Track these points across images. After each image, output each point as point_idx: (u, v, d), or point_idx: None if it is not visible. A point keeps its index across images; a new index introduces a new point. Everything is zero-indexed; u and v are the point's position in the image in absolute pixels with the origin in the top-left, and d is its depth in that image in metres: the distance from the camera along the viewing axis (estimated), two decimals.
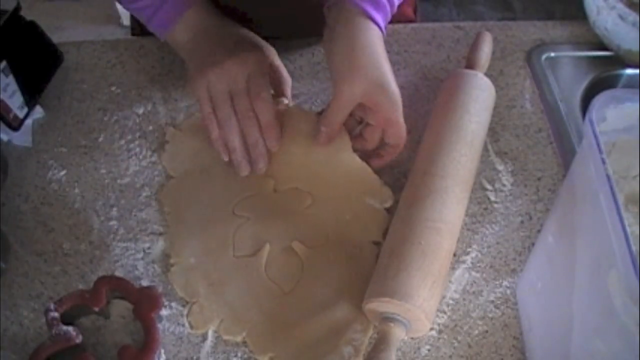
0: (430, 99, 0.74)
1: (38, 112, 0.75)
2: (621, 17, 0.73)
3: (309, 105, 0.74)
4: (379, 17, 0.62)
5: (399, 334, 0.53)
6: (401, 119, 0.63)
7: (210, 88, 0.63)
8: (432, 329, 0.57)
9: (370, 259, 0.60)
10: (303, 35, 0.80)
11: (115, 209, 0.66)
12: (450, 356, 0.56)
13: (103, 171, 0.70)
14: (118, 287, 0.58)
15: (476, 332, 0.57)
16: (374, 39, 0.62)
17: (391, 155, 0.66)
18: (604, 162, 0.39)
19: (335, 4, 0.64)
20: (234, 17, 0.76)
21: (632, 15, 0.72)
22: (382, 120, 0.63)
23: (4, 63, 0.69)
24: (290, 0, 0.75)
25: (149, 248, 0.63)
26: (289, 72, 0.78)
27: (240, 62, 0.63)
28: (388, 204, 0.64)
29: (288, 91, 0.70)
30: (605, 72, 0.78)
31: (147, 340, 0.54)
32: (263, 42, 0.70)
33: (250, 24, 0.78)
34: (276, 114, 0.64)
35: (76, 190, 0.68)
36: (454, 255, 0.60)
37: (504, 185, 0.67)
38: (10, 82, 0.70)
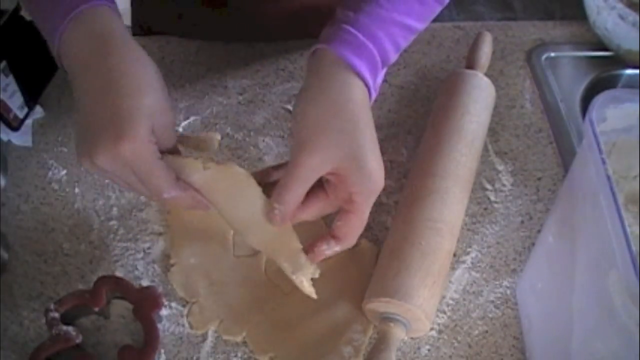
0: (430, 99, 0.74)
1: (38, 112, 0.75)
2: (621, 17, 0.73)
3: None
4: (364, 68, 0.50)
5: (399, 334, 0.53)
6: (367, 212, 0.50)
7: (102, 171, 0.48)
8: (432, 329, 0.57)
9: (370, 259, 0.60)
10: (303, 37, 0.80)
11: (115, 208, 0.66)
12: (450, 356, 0.56)
13: None
14: (118, 287, 0.58)
15: (476, 332, 0.57)
16: (354, 95, 0.49)
17: (323, 254, 0.52)
18: (604, 162, 0.39)
19: (316, 50, 0.52)
20: (234, 18, 0.76)
21: (632, 15, 0.72)
22: (342, 199, 0.50)
23: (4, 63, 0.69)
24: (290, 2, 0.75)
25: (149, 248, 0.63)
26: (289, 72, 0.78)
27: (119, 157, 0.46)
28: (300, 277, 0.51)
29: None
30: (605, 72, 0.78)
31: (147, 340, 0.54)
32: (153, 76, 0.50)
33: (251, 25, 0.78)
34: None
35: (76, 190, 0.68)
36: (454, 255, 0.60)
37: (504, 185, 0.67)
38: (10, 82, 0.70)
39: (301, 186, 0.48)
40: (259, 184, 0.51)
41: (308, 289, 0.52)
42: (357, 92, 0.50)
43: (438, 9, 0.56)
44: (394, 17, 0.52)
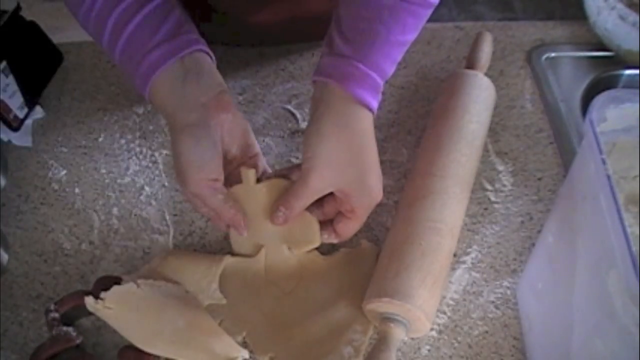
0: (430, 99, 0.74)
1: (38, 112, 0.75)
2: (621, 18, 0.73)
3: (309, 106, 0.74)
4: (368, 96, 0.55)
5: (399, 334, 0.53)
6: (364, 217, 0.58)
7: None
8: (432, 329, 0.57)
9: (370, 259, 0.60)
10: (303, 40, 0.80)
11: (115, 208, 0.66)
12: (451, 356, 0.56)
13: (103, 171, 0.70)
14: None
15: (476, 332, 0.57)
16: (361, 127, 0.55)
17: (323, 239, 0.60)
18: (604, 162, 0.39)
19: (324, 84, 0.56)
20: (233, 26, 0.76)
21: (632, 16, 0.72)
22: (345, 209, 0.58)
23: (4, 63, 0.69)
24: (290, 9, 0.75)
25: (149, 247, 0.63)
26: (289, 72, 0.78)
27: (186, 194, 0.57)
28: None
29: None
30: (606, 72, 0.78)
31: None
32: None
33: (250, 32, 0.78)
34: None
35: (76, 190, 0.68)
36: (454, 255, 0.60)
37: (504, 185, 0.67)
38: (10, 82, 0.70)
39: (307, 200, 0.56)
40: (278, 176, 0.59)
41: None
42: (364, 121, 0.55)
43: (429, 13, 0.58)
44: (391, 39, 0.55)
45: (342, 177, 0.55)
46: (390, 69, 0.58)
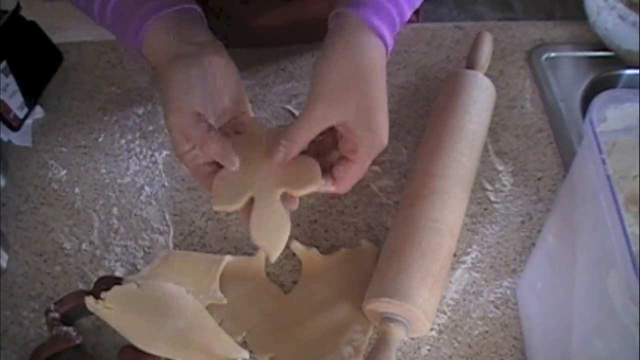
0: (430, 99, 0.74)
1: (38, 112, 0.75)
2: (621, 17, 0.73)
3: None
4: (384, 28, 0.53)
5: (399, 334, 0.53)
6: (366, 163, 0.54)
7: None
8: (432, 329, 0.57)
9: (370, 259, 0.60)
10: (304, 42, 0.80)
11: (115, 208, 0.66)
12: (451, 356, 0.56)
13: (103, 171, 0.70)
14: None
15: (476, 332, 0.57)
16: (372, 55, 0.53)
17: (320, 187, 0.54)
18: (604, 162, 0.39)
19: (338, 13, 0.55)
20: (236, 27, 0.76)
21: (632, 16, 0.72)
22: (346, 149, 0.54)
23: (4, 63, 0.69)
24: (293, 12, 0.75)
25: (149, 247, 0.63)
26: (289, 72, 0.78)
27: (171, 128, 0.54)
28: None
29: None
30: (606, 72, 0.78)
31: None
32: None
33: (252, 33, 0.78)
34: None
35: (76, 190, 0.68)
36: (454, 255, 0.60)
37: (504, 185, 0.67)
38: (10, 82, 0.70)
39: (310, 131, 0.53)
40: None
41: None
42: (376, 53, 0.53)
43: None
44: None
45: (347, 107, 0.52)
46: (407, 12, 0.56)
